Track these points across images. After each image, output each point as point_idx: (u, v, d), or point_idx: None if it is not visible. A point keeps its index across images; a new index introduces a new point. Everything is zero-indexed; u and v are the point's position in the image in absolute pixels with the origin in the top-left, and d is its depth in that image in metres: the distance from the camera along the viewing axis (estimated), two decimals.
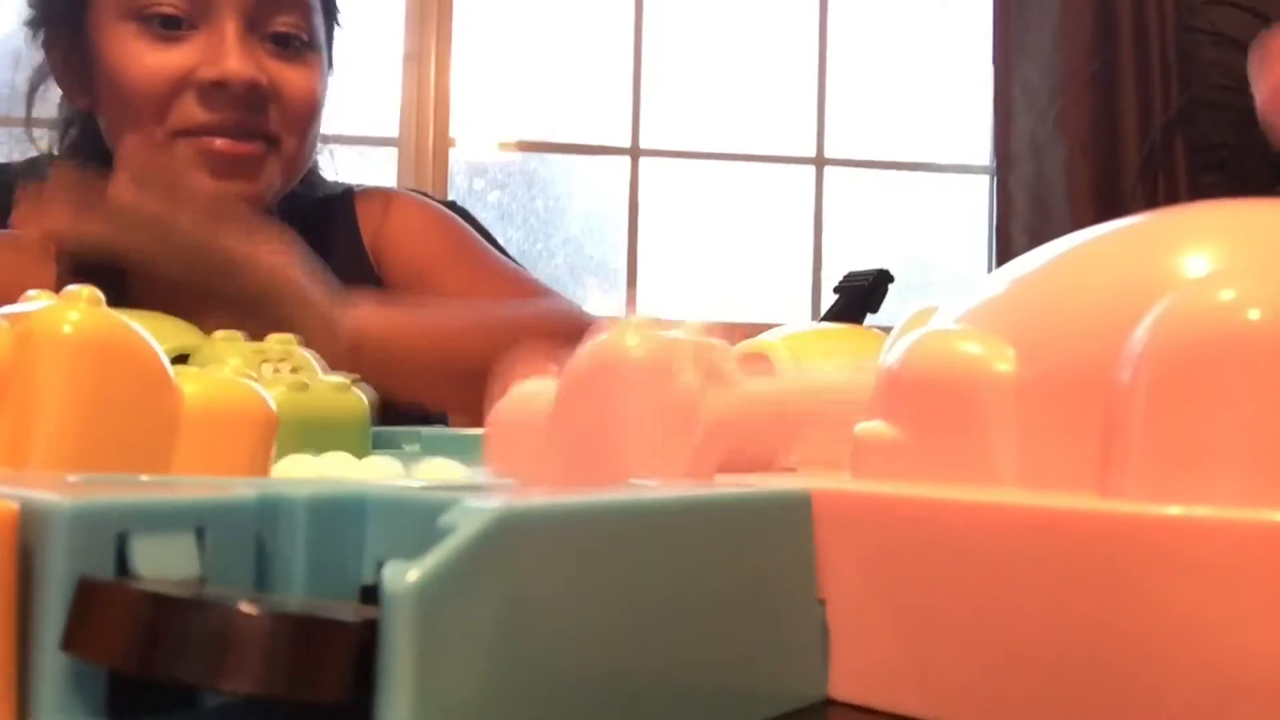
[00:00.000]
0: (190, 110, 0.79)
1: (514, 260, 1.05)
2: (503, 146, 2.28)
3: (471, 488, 0.16)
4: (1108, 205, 2.18)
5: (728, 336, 0.33)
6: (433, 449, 0.69)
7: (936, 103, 2.40)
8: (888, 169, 2.41)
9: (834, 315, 1.12)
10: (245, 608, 0.12)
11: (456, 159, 2.23)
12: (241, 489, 0.15)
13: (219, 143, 0.79)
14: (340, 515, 0.15)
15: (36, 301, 0.32)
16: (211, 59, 0.79)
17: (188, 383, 0.32)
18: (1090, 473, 0.17)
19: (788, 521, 0.18)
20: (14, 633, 0.13)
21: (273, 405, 0.34)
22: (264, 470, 0.34)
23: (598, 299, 2.35)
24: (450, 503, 0.14)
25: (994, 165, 2.31)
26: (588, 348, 0.29)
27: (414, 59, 2.12)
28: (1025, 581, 0.17)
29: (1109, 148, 2.19)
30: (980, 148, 2.42)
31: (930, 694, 0.17)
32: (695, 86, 2.33)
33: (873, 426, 0.19)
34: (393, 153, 2.17)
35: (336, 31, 0.95)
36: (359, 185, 1.02)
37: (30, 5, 0.88)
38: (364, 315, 0.77)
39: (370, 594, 0.15)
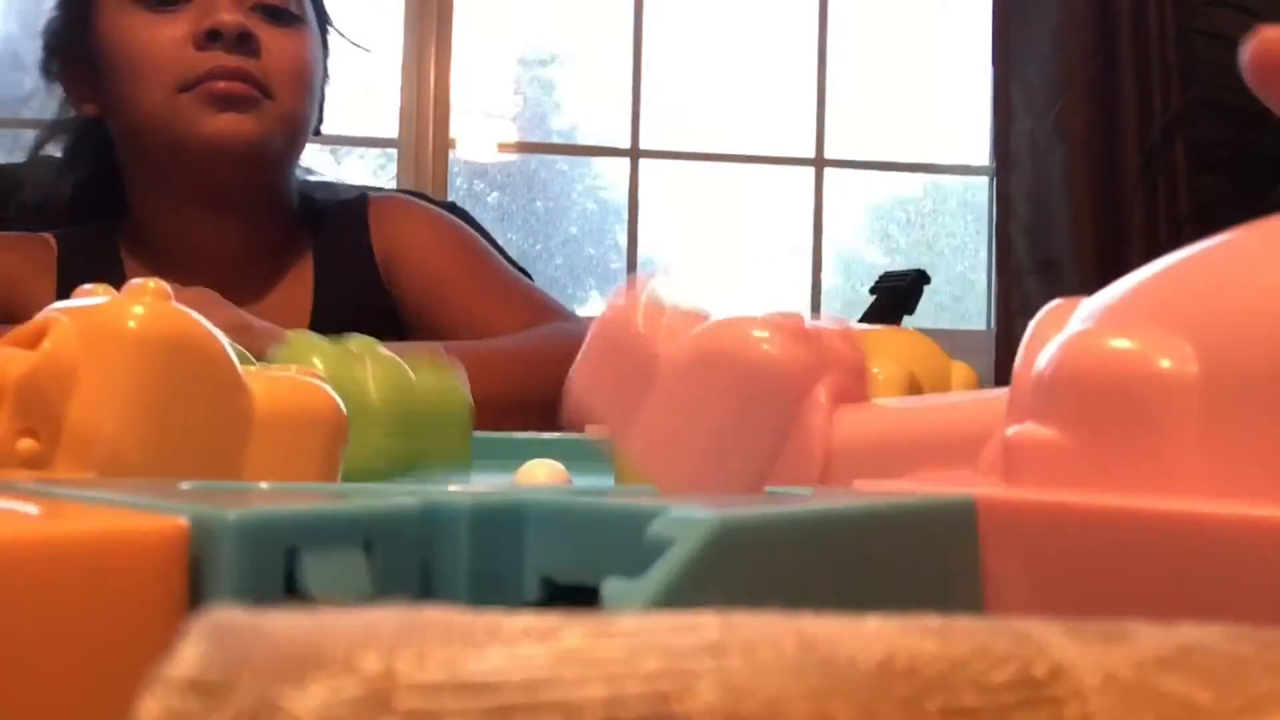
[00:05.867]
0: (190, 63, 0.86)
1: (523, 271, 1.05)
2: (502, 148, 2.26)
3: (623, 494, 0.15)
4: (1108, 206, 2.18)
5: None
6: (483, 454, 0.67)
7: (936, 104, 2.40)
8: (887, 170, 2.40)
9: (871, 316, 1.11)
10: None
11: (456, 160, 2.22)
12: (403, 498, 0.14)
13: (219, 85, 0.85)
14: (500, 526, 0.14)
15: (97, 295, 0.30)
16: (204, 15, 0.86)
17: (254, 383, 0.31)
18: None
19: (952, 529, 0.17)
20: None
21: (342, 406, 0.33)
22: (335, 474, 0.33)
23: (597, 301, 2.34)
24: (630, 513, 0.13)
25: (993, 166, 2.30)
26: (709, 327, 0.26)
27: (414, 60, 2.11)
28: (1210, 595, 0.16)
29: (1109, 149, 2.18)
30: (980, 149, 2.42)
31: None
32: (695, 88, 2.32)
33: (1030, 430, 0.18)
34: (393, 154, 2.16)
35: (332, 35, 1.00)
36: (375, 191, 1.04)
37: (44, 34, 0.95)
38: None
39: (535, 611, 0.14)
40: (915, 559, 0.16)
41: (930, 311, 2.50)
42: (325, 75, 0.98)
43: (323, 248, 0.96)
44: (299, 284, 0.95)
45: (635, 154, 2.26)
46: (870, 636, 0.10)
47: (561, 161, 2.36)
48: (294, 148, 0.93)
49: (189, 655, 0.09)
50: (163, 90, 0.86)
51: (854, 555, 0.15)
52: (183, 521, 0.12)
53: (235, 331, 0.69)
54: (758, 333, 0.24)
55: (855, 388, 0.25)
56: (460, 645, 0.09)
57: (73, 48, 0.92)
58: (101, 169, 0.94)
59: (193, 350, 0.26)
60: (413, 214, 1.01)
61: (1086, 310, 0.19)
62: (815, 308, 2.32)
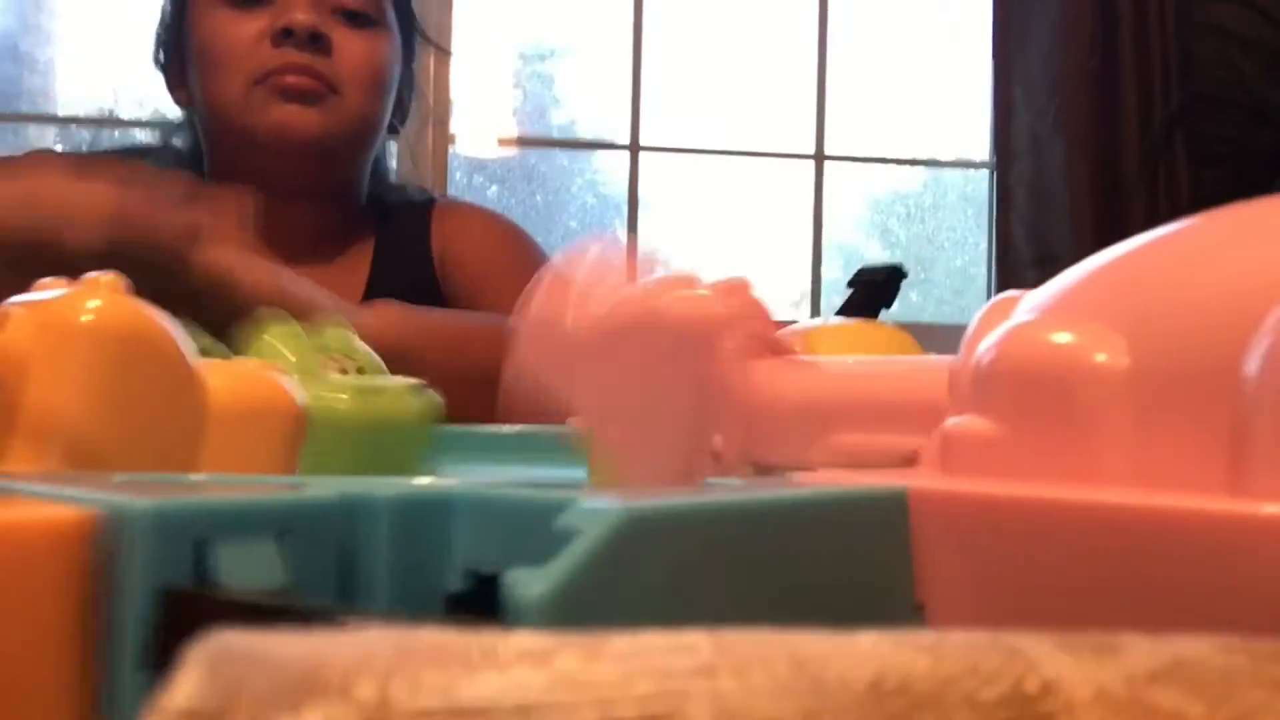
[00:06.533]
0: (264, 58, 0.91)
1: None
2: (502, 142, 2.26)
3: (559, 486, 0.15)
4: (1108, 201, 2.17)
5: None
6: (448, 447, 0.67)
7: (936, 98, 2.40)
8: (887, 164, 2.40)
9: (849, 310, 1.10)
10: (354, 621, 0.11)
11: (456, 155, 2.22)
12: (320, 488, 0.14)
13: (288, 79, 0.91)
14: (425, 517, 0.14)
15: (54, 289, 0.30)
16: (281, 14, 0.91)
17: (211, 376, 0.31)
18: (1214, 472, 0.16)
19: (883, 521, 0.17)
20: (91, 647, 0.12)
21: (300, 399, 0.33)
22: (293, 469, 0.33)
23: None
24: (551, 504, 0.13)
25: (994, 161, 2.30)
26: (623, 296, 0.27)
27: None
28: (1144, 587, 0.16)
29: (1109, 143, 2.18)
30: (980, 143, 2.41)
31: None
32: (695, 82, 2.31)
33: (966, 422, 0.18)
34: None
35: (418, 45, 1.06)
36: (442, 197, 1.08)
37: (157, 26, 1.02)
38: (371, 319, 0.79)
39: (458, 603, 0.14)
40: (844, 551, 0.16)
41: (930, 305, 2.50)
42: (408, 78, 1.03)
43: (383, 245, 1.00)
44: (353, 276, 0.98)
45: (635, 148, 2.26)
46: (862, 655, 0.10)
47: (561, 156, 2.35)
48: (361, 144, 0.97)
49: (186, 684, 0.09)
50: (239, 82, 0.91)
51: (776, 548, 0.15)
52: (87, 511, 0.12)
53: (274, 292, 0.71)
54: (660, 293, 0.25)
55: (768, 339, 0.25)
56: (455, 670, 0.09)
57: (172, 40, 0.99)
58: (184, 153, 1.01)
59: (146, 344, 0.27)
60: (473, 216, 1.06)
61: (1029, 304, 0.20)
62: (815, 301, 2.32)
